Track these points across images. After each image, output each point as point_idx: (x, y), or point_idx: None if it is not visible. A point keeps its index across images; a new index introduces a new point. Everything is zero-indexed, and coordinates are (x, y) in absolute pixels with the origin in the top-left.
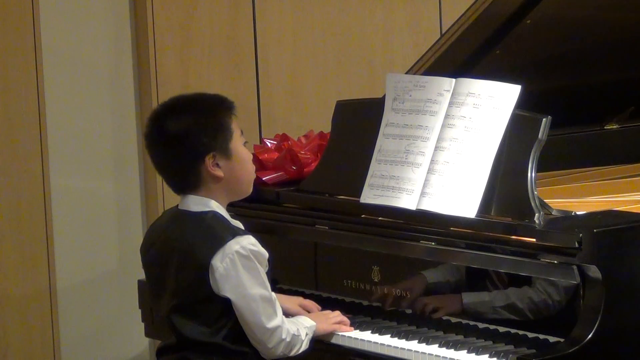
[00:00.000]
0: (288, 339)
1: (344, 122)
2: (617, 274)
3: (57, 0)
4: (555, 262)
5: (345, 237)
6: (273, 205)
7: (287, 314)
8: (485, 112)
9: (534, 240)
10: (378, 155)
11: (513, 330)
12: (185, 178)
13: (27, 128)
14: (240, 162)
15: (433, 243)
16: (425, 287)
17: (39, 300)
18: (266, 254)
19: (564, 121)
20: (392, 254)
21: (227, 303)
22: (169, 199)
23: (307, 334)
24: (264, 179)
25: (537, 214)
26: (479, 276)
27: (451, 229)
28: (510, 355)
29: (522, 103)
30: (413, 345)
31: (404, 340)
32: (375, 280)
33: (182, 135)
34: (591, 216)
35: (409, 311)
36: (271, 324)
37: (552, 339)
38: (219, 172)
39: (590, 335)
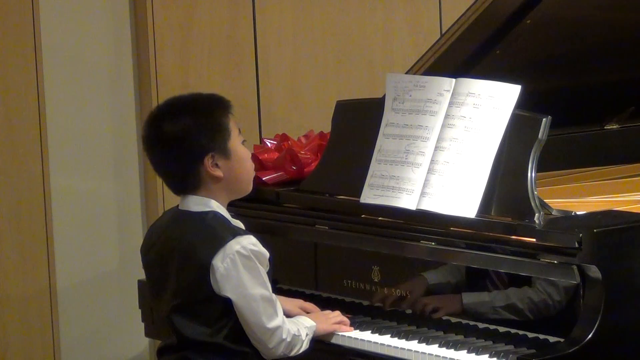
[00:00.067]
0: (288, 339)
1: (344, 122)
2: (617, 274)
3: (57, 0)
4: (555, 262)
5: (345, 237)
6: (273, 205)
7: (287, 315)
8: (485, 112)
9: (534, 240)
10: (378, 155)
11: (513, 330)
12: (185, 179)
13: (27, 128)
14: (239, 161)
15: (433, 243)
16: (425, 287)
17: (39, 300)
18: (267, 254)
19: (564, 121)
20: (392, 254)
21: (227, 303)
22: (169, 199)
23: (307, 334)
24: (264, 179)
25: (537, 214)
26: (479, 276)
27: (451, 229)
28: (510, 355)
29: (522, 103)
30: (413, 345)
31: (404, 340)
32: (375, 280)
33: (181, 137)
34: (591, 216)
35: (409, 311)
36: (272, 324)
37: (552, 339)
38: (219, 172)
39: (590, 335)
